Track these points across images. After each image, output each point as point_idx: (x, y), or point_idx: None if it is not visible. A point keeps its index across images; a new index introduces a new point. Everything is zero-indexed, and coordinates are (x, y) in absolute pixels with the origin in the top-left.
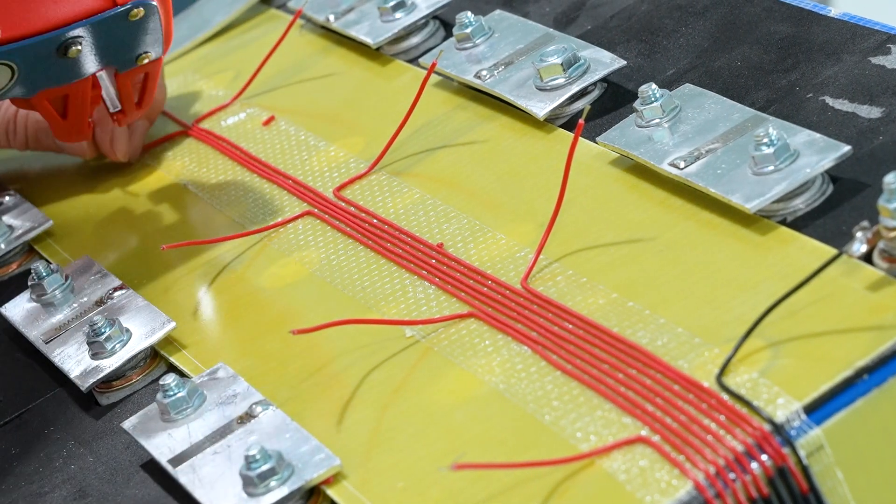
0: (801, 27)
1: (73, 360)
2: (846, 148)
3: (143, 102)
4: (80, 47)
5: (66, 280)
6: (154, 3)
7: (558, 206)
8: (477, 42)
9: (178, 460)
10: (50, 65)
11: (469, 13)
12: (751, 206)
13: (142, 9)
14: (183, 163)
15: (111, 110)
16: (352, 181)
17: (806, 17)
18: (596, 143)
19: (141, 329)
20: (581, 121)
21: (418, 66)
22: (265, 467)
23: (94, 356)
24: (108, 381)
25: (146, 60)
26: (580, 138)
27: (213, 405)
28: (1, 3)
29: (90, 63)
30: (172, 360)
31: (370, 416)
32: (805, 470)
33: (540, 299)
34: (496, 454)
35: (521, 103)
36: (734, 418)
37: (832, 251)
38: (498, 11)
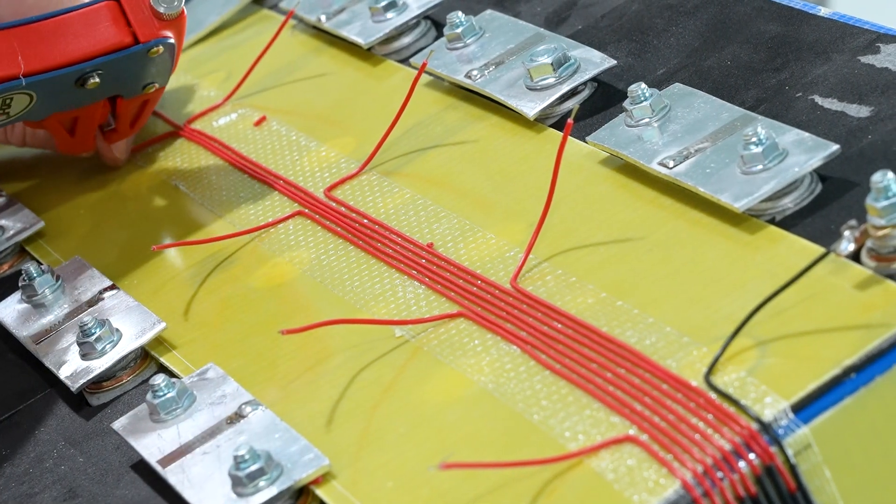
0: (790, 26)
1: (64, 361)
2: (835, 147)
3: (137, 124)
4: (98, 80)
5: (57, 281)
6: (172, 41)
7: (547, 206)
8: (468, 42)
9: (167, 461)
10: (67, 93)
11: (460, 13)
12: (739, 206)
13: (162, 47)
14: (174, 163)
15: (104, 129)
16: (342, 181)
17: (796, 16)
18: (586, 142)
19: (131, 330)
20: (570, 120)
21: (409, 66)
22: (254, 467)
23: (85, 357)
24: (99, 382)
25: (152, 90)
26: (570, 138)
27: (203, 405)
28: (25, 40)
29: (103, 91)
30: (163, 360)
31: (359, 416)
32: (793, 469)
33: (529, 299)
34: (485, 454)
35: (512, 103)
36: (722, 417)
37: (820, 250)
38: (489, 11)
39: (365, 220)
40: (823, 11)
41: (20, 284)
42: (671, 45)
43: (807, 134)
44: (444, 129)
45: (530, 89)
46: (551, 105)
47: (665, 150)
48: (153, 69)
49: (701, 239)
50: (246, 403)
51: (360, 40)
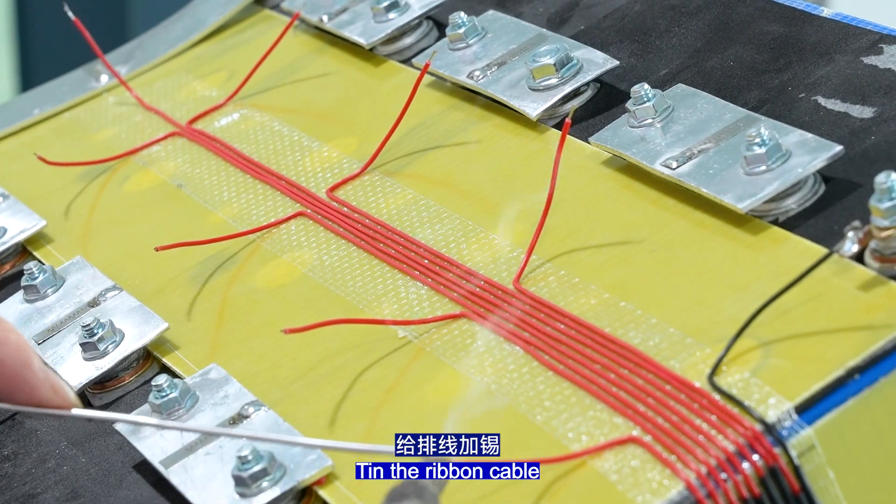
0: (793, 27)
1: (66, 361)
2: (838, 148)
3: None
4: None
5: (60, 281)
6: None
7: (547, 206)
8: (470, 42)
9: (170, 461)
10: None
11: (462, 13)
12: (743, 206)
13: None
14: (176, 163)
15: None
16: (345, 181)
17: (798, 17)
18: (588, 143)
19: (133, 330)
20: (568, 120)
21: (411, 66)
22: (257, 468)
23: (87, 357)
24: (101, 382)
25: None
26: (572, 138)
27: (206, 406)
28: None
29: None
30: (165, 360)
31: (362, 416)
32: (796, 470)
33: (532, 299)
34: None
35: (514, 103)
36: (726, 418)
37: (824, 251)
38: (491, 12)
39: (367, 221)
40: (826, 12)
41: (22, 285)
42: (673, 46)
43: (810, 135)
44: (446, 129)
45: (533, 90)
46: (554, 106)
47: (668, 151)
48: None
49: (704, 240)
50: (249, 404)
51: (361, 40)
